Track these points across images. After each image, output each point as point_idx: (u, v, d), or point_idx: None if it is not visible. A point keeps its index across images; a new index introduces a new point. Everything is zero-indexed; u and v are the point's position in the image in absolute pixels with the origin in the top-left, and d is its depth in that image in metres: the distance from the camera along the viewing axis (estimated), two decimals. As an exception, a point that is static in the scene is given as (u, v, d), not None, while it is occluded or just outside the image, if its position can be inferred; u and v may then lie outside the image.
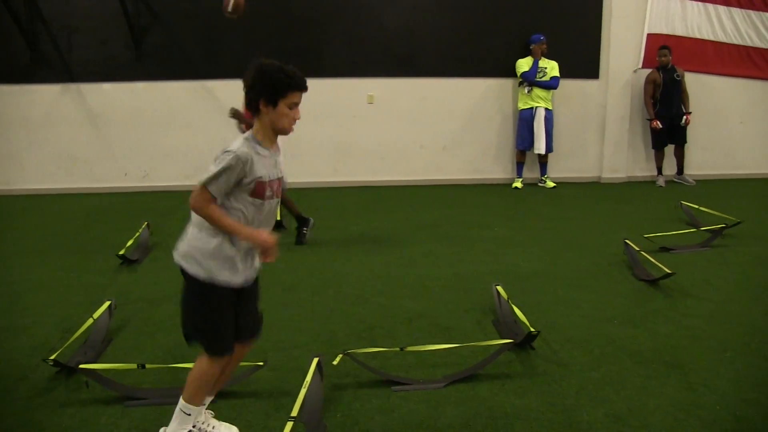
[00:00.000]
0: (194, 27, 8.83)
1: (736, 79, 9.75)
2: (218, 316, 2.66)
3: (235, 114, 5.87)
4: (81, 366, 3.27)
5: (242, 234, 2.56)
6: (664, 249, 5.78)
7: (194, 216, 2.62)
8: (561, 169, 9.57)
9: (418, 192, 8.76)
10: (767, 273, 5.16)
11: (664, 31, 9.38)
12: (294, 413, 2.78)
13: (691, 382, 3.33)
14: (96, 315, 3.86)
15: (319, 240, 6.12)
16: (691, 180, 9.49)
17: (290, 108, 2.69)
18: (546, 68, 8.93)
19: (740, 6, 9.48)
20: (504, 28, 9.20)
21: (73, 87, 8.85)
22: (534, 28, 9.06)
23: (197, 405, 2.74)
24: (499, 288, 4.26)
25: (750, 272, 5.18)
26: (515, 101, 9.30)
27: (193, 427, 2.76)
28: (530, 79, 8.94)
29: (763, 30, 9.61)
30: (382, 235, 6.46)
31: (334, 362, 3.40)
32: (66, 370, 3.41)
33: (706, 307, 4.42)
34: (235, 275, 2.63)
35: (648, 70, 9.28)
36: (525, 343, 3.68)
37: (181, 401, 2.72)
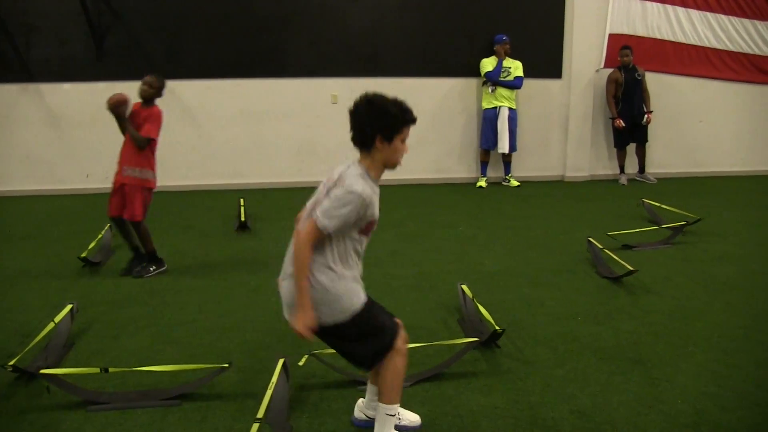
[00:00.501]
0: (156, 26, 8.73)
1: (695, 79, 9.91)
2: (375, 319, 2.72)
3: (117, 109, 5.20)
4: (42, 371, 3.20)
5: (302, 302, 2.56)
6: (627, 246, 5.86)
7: (316, 263, 2.60)
8: (525, 168, 9.64)
9: (383, 191, 8.62)
10: (727, 269, 5.26)
11: (625, 31, 9.50)
12: (260, 415, 2.77)
13: (654, 377, 3.38)
14: (57, 319, 3.79)
15: (285, 240, 6.08)
16: (652, 178, 9.63)
17: (402, 142, 2.68)
18: (510, 68, 8.99)
19: (698, 8, 9.65)
20: (468, 27, 9.23)
21: (31, 87, 8.68)
22: (498, 28, 9.11)
23: (398, 403, 2.76)
24: (464, 287, 4.28)
25: (710, 268, 5.27)
26: (479, 101, 9.34)
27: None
28: (494, 79, 8.98)
29: (719, 31, 9.80)
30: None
31: (300, 363, 3.40)
32: (26, 375, 3.34)
33: (668, 303, 4.49)
34: (362, 291, 2.72)
35: (610, 70, 9.40)
36: (490, 341, 3.70)
37: (384, 406, 2.72)
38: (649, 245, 5.94)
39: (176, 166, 8.94)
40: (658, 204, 6.97)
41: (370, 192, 2.59)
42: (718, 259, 5.54)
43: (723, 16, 9.74)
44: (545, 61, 9.46)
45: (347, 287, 2.65)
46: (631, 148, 9.61)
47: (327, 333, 2.68)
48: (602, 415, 2.99)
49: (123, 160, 5.23)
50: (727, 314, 4.27)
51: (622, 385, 3.30)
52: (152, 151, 5.32)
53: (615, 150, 9.68)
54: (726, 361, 3.57)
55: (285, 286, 2.71)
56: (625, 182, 9.48)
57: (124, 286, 4.94)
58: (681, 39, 9.73)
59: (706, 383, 3.31)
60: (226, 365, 3.31)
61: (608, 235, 5.98)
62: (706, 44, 9.80)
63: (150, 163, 5.28)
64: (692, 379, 3.35)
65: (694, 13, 9.66)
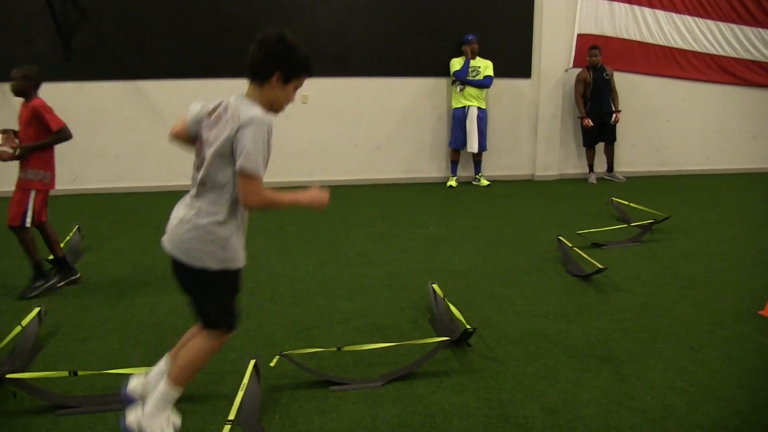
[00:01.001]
0: (125, 26, 8.64)
1: (662, 79, 10.05)
2: (234, 295, 2.71)
3: (20, 155, 4.65)
4: (8, 375, 3.15)
5: (303, 201, 2.63)
6: (596, 245, 5.91)
7: (201, 207, 2.53)
8: (495, 167, 9.69)
9: (353, 192, 8.75)
10: (694, 266, 5.33)
11: (594, 31, 9.59)
12: (231, 416, 2.75)
13: (623, 373, 3.42)
14: (24, 322, 3.74)
15: (255, 241, 6.06)
16: (621, 177, 9.73)
17: (294, 90, 2.66)
18: (479, 67, 9.03)
19: (664, 8, 9.78)
20: (438, 27, 9.25)
21: (-4, 87, 8.56)
22: (468, 28, 9.15)
23: (182, 388, 2.67)
24: (435, 286, 4.29)
25: (678, 266, 5.34)
26: (449, 100, 9.37)
27: None
28: (461, 78, 9.02)
29: (684, 32, 9.94)
30: (317, 235, 6.43)
31: (271, 364, 3.38)
32: (-8, 380, 3.29)
33: (637, 300, 4.54)
34: (243, 254, 2.66)
35: (578, 70, 9.49)
36: (461, 340, 3.71)
37: (168, 385, 2.62)
38: (618, 243, 6.00)
39: (146, 167, 8.87)
40: (626, 202, 7.06)
41: (270, 119, 2.52)
42: (685, 256, 5.62)
43: (688, 17, 9.89)
44: (515, 60, 9.52)
45: (234, 241, 2.60)
46: (600, 147, 9.72)
47: (202, 276, 2.60)
48: (573, 412, 3.02)
49: (22, 162, 4.75)
50: (693, 311, 4.34)
51: (592, 382, 3.33)
52: (51, 150, 4.82)
53: (584, 149, 9.77)
54: (692, 357, 3.62)
55: (177, 225, 2.60)
56: (594, 181, 9.57)
57: (92, 289, 4.88)
58: (648, 39, 9.85)
59: (673, 379, 3.36)
60: (197, 367, 3.29)
61: (578, 234, 6.04)
62: (672, 44, 9.95)
63: (43, 163, 4.77)
64: (660, 375, 3.40)
65: (661, 14, 9.79)
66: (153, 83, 8.67)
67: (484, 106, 9.17)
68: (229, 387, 3.21)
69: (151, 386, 2.73)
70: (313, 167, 9.17)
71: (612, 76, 9.40)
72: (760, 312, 4.29)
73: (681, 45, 9.97)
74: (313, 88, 8.90)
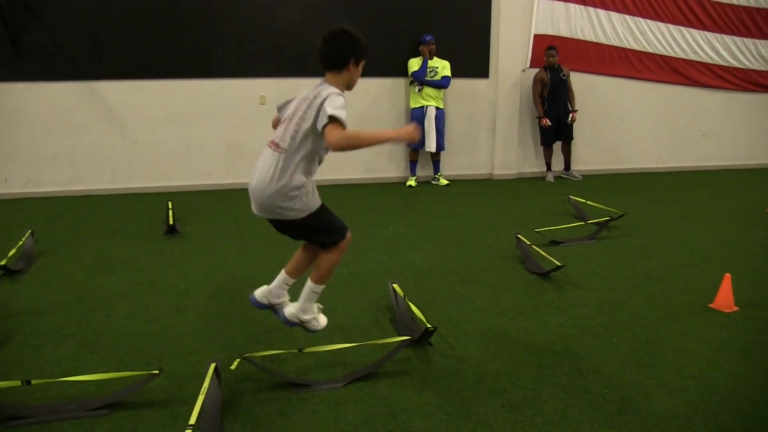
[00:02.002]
0: (78, 25, 8.48)
1: (617, 79, 10.23)
2: (329, 216, 3.35)
3: None
4: (-42, 386, 3.08)
5: (391, 135, 3.29)
6: (554, 242, 5.99)
7: (281, 166, 3.17)
8: (454, 166, 9.75)
9: (314, 192, 8.71)
10: (649, 262, 5.43)
11: (550, 32, 9.71)
12: (192, 421, 2.72)
13: (582, 368, 3.47)
14: (-25, 329, 3.66)
15: (214, 243, 6.01)
16: (577, 175, 9.87)
17: (361, 68, 3.37)
18: (437, 68, 9.07)
19: (617, 10, 9.95)
20: (396, 28, 9.28)
21: (-57, 88, 8.34)
22: (425, 29, 9.20)
23: (324, 285, 3.46)
24: (396, 285, 4.30)
25: (633, 262, 5.44)
26: (407, 100, 9.40)
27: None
28: (420, 79, 9.05)
29: (637, 33, 10.14)
30: (277, 236, 6.36)
31: (232, 367, 3.36)
32: (-59, 390, 3.20)
33: (594, 296, 4.61)
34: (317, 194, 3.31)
35: (536, 70, 9.59)
36: (422, 339, 3.73)
37: (313, 284, 3.43)
38: (576, 241, 6.09)
39: (101, 169, 8.73)
40: (583, 200, 7.16)
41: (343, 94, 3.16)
42: (640, 252, 5.72)
43: (640, 19, 10.09)
44: (472, 61, 9.59)
45: (313, 188, 3.28)
46: (557, 146, 9.84)
47: (297, 222, 3.29)
48: (533, 408, 3.06)
49: None
50: (648, 306, 4.42)
51: (552, 377, 3.38)
52: None
53: (542, 148, 9.89)
54: (648, 351, 3.69)
55: (260, 189, 3.36)
56: (552, 180, 9.69)
57: (47, 294, 4.78)
58: (603, 40, 10.01)
59: (630, 372, 3.42)
60: (156, 372, 3.24)
61: (536, 232, 6.11)
62: (626, 45, 10.14)
63: None
64: (617, 369, 3.46)
65: (614, 16, 9.96)
66: (108, 84, 8.53)
67: (441, 106, 9.22)
68: (189, 391, 3.18)
69: (273, 296, 3.63)
70: (271, 168, 9.11)
71: (569, 76, 9.53)
72: (710, 305, 4.41)
73: (634, 46, 10.17)
74: (271, 88, 8.86)
